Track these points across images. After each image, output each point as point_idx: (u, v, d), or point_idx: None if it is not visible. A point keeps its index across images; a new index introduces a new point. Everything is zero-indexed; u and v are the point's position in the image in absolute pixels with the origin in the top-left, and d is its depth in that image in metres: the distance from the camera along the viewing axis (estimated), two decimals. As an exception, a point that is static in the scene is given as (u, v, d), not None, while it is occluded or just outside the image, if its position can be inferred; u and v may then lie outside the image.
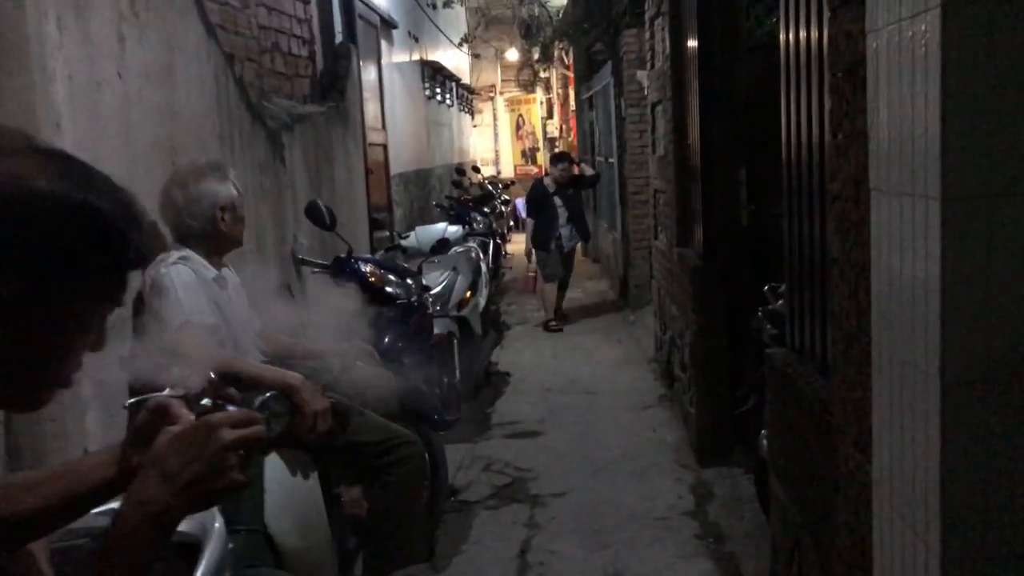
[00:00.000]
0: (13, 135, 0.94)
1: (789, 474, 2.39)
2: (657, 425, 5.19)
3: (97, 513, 1.32)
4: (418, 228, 6.88)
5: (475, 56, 15.99)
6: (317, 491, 2.42)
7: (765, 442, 3.02)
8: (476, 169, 12.41)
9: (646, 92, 6.63)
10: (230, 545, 2.05)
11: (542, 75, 19.06)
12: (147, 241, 1.09)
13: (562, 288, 8.45)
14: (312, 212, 3.83)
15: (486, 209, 8.97)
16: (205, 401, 1.28)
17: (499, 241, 9.38)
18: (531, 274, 8.33)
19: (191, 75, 3.11)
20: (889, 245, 1.43)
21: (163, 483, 1.01)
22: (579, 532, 3.80)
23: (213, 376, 2.27)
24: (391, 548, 2.87)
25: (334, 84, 5.34)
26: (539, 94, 19.78)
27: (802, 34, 2.23)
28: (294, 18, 4.82)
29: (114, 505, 1.10)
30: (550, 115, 19.34)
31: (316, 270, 4.00)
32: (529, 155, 19.89)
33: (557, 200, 8.14)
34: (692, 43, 4.54)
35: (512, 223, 15.12)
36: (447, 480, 4.05)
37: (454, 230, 6.94)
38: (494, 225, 9.01)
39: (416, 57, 9.84)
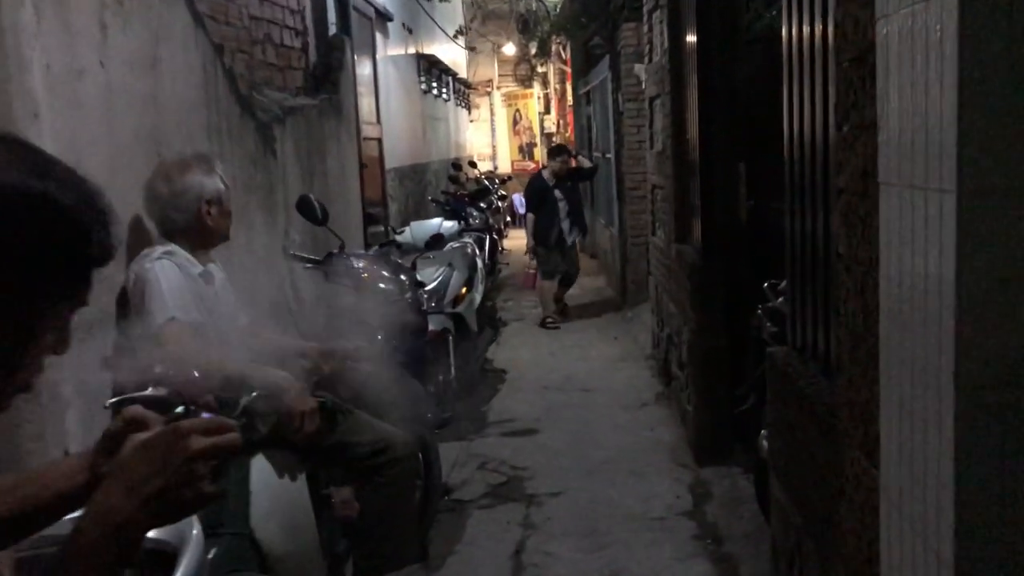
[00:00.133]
0: None
1: (790, 476, 2.33)
2: (654, 423, 5.12)
3: (71, 520, 1.25)
4: (413, 223, 6.81)
5: (471, 49, 15.89)
6: (305, 493, 2.36)
7: (765, 442, 2.96)
8: (473, 164, 12.34)
9: (644, 86, 6.56)
10: (212, 551, 1.99)
11: (539, 70, 18.98)
12: (113, 237, 1.03)
13: (567, 283, 8.34)
14: (304, 206, 3.76)
15: (482, 204, 8.90)
16: (179, 409, 1.21)
17: (496, 237, 9.32)
18: (531, 271, 8.22)
19: (178, 65, 3.03)
20: (900, 241, 1.36)
21: (127, 494, 0.95)
22: (575, 532, 3.74)
23: (197, 375, 2.21)
24: (383, 550, 2.80)
25: (327, 76, 5.26)
26: (536, 89, 19.70)
27: (806, 22, 2.16)
28: (286, 9, 4.74)
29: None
30: (547, 110, 19.26)
31: (308, 266, 3.93)
32: (526, 150, 19.80)
33: (557, 193, 8.05)
34: (691, 36, 4.47)
35: (509, 218, 15.05)
36: (441, 479, 3.99)
37: (450, 225, 6.87)
38: (490, 221, 8.95)
39: (412, 50, 9.76)
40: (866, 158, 1.54)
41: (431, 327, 4.84)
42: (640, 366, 6.43)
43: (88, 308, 2.38)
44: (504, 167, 18.98)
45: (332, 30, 5.61)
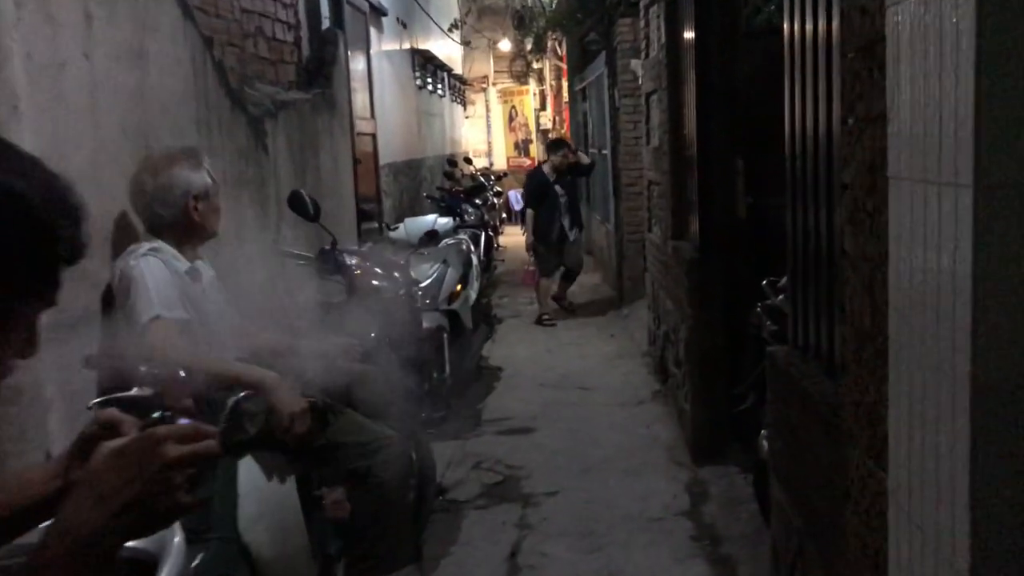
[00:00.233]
0: None
1: (792, 478, 2.28)
2: (651, 422, 5.08)
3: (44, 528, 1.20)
4: (407, 220, 6.75)
5: (466, 43, 15.80)
6: (294, 496, 2.30)
7: (765, 443, 2.91)
8: (468, 160, 12.26)
9: (640, 82, 6.50)
10: (198, 557, 1.93)
11: (535, 66, 18.91)
12: (83, 235, 0.97)
13: (570, 279, 8.23)
14: (295, 202, 3.69)
15: (478, 201, 8.82)
16: (156, 414, 1.15)
17: (491, 233, 9.24)
18: (530, 268, 8.11)
19: (166, 58, 2.97)
20: (911, 238, 1.31)
21: (96, 505, 0.89)
22: (571, 533, 3.69)
23: (183, 375, 2.15)
24: (376, 552, 2.75)
25: (320, 71, 5.20)
26: (532, 85, 19.63)
27: (808, 13, 2.11)
28: (279, 2, 4.68)
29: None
30: (543, 106, 19.19)
31: (300, 262, 3.86)
32: (522, 147, 19.73)
33: (558, 188, 7.96)
34: (688, 31, 4.42)
35: (504, 215, 14.97)
36: (435, 479, 3.94)
37: (444, 222, 6.81)
38: (486, 217, 8.87)
39: (407, 46, 9.69)
40: (874, 152, 1.49)
41: (425, 324, 4.78)
42: (636, 363, 6.39)
43: (72, 306, 2.32)
44: (500, 164, 18.92)
45: (325, 24, 5.55)
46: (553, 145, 8.51)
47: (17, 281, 0.87)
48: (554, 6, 12.26)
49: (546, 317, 7.93)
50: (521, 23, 14.08)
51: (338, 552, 2.81)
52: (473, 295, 6.08)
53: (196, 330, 2.41)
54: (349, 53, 5.86)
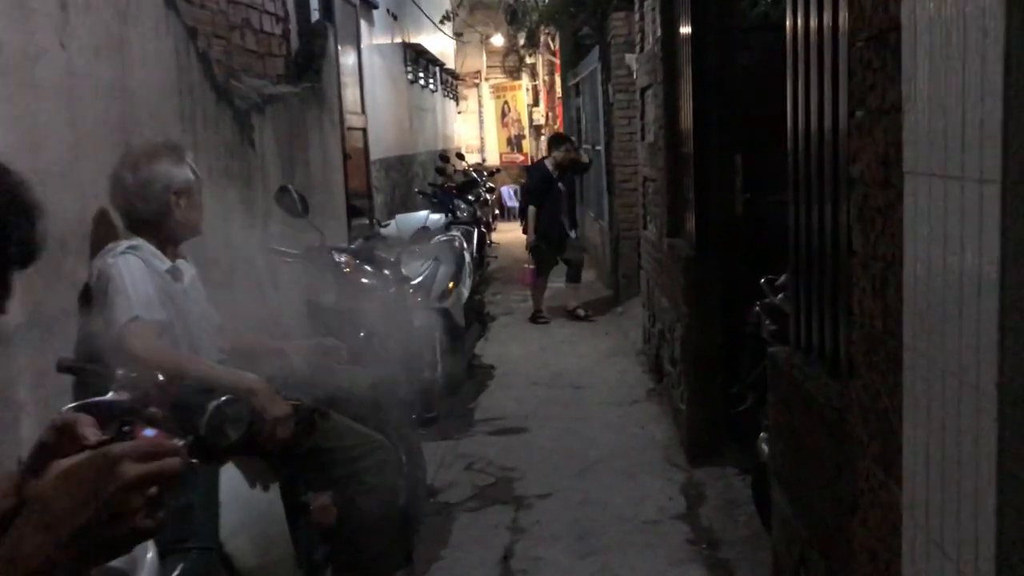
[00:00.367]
0: None
1: (794, 484, 2.20)
2: (646, 421, 5.00)
3: None
4: (399, 216, 6.65)
5: (458, 36, 15.69)
6: (278, 503, 2.21)
7: (764, 445, 2.84)
8: (460, 156, 12.18)
9: (635, 76, 6.42)
10: (178, 568, 1.85)
11: (528, 61, 18.81)
12: (38, 235, 0.89)
13: (576, 278, 8.01)
14: (283, 198, 3.61)
15: (470, 197, 8.74)
16: (125, 428, 1.06)
17: (484, 230, 9.16)
18: (529, 267, 7.90)
19: (147, 49, 2.87)
20: (929, 236, 1.23)
21: (44, 533, 0.80)
22: (565, 536, 3.61)
23: (161, 378, 2.06)
24: (364, 558, 2.67)
25: (310, 64, 5.10)
26: (525, 80, 19.53)
27: (813, 0, 2.03)
28: (266, -6, 4.58)
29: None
30: (536, 102, 19.09)
31: (288, 260, 3.77)
32: (515, 143, 19.64)
33: (560, 185, 7.81)
34: (685, 24, 4.34)
35: (497, 211, 14.88)
36: (425, 481, 3.85)
37: (436, 218, 6.72)
38: (479, 213, 8.79)
39: (398, 39, 9.58)
40: (887, 145, 1.41)
41: (417, 323, 4.69)
42: (631, 361, 6.32)
43: (48, 305, 2.22)
44: (492, 159, 18.82)
45: (315, 16, 5.45)
46: (555, 140, 8.31)
47: None
48: (547, 0, 12.17)
49: (540, 315, 7.85)
50: (514, 17, 13.96)
51: (325, 559, 2.72)
52: (465, 292, 6.00)
53: (176, 331, 2.32)
54: (339, 47, 5.76)
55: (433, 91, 12.44)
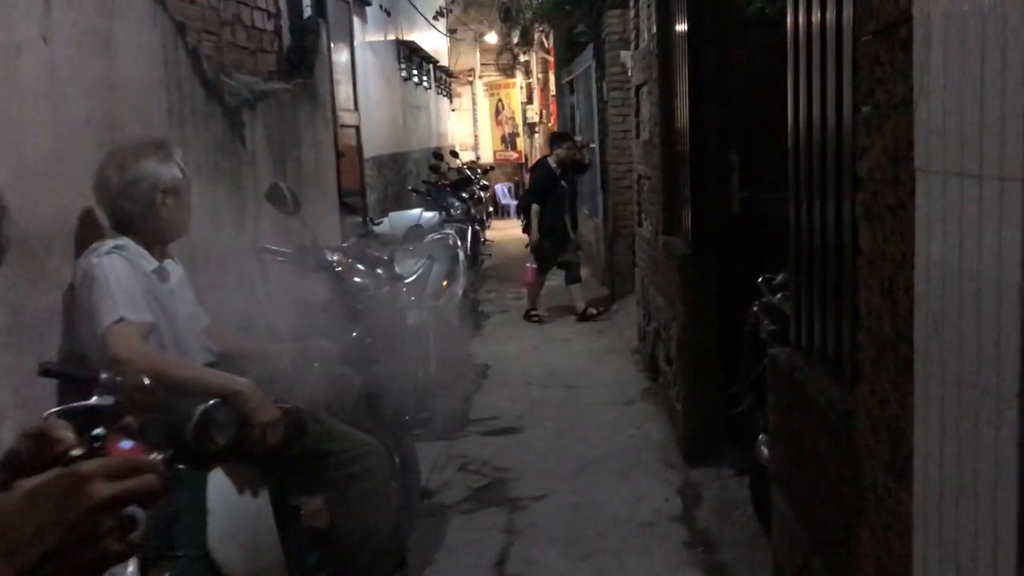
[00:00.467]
0: None
1: (796, 489, 2.16)
2: (641, 421, 4.96)
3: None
4: (392, 214, 6.59)
5: (451, 32, 15.60)
6: (267, 509, 2.16)
7: (764, 448, 2.80)
8: (454, 154, 12.09)
9: (630, 74, 6.37)
10: (164, 577, 1.79)
11: (522, 59, 18.75)
12: (1, 235, 0.83)
13: (576, 278, 7.87)
14: (274, 196, 3.53)
15: (464, 194, 8.66)
16: (97, 431, 1.00)
17: (478, 227, 9.09)
18: (531, 265, 7.77)
19: (134, 44, 2.81)
20: (943, 236, 1.18)
21: (5, 558, 0.75)
22: (560, 539, 3.56)
23: (147, 382, 2.00)
24: (357, 563, 2.61)
25: (302, 61, 5.03)
26: (519, 78, 19.46)
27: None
28: (257, -11, 4.51)
29: None
30: (530, 100, 19.03)
31: (279, 259, 3.71)
32: (509, 140, 19.57)
33: (563, 183, 7.71)
34: (681, 20, 4.29)
35: (491, 209, 14.81)
36: (419, 484, 3.81)
37: (430, 216, 6.66)
38: (472, 211, 8.71)
39: (392, 36, 9.51)
40: (897, 141, 1.36)
41: (411, 322, 4.63)
42: (626, 360, 6.27)
43: (31, 307, 2.16)
44: (486, 157, 18.75)
45: (307, 12, 5.38)
46: (558, 137, 8.18)
47: None
48: (541, -3, 12.11)
49: (534, 312, 7.78)
50: (508, 15, 13.92)
51: (317, 564, 2.67)
52: (459, 291, 5.94)
53: (163, 333, 2.27)
54: (332, 43, 5.70)
55: (427, 88, 12.37)
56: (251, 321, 2.96)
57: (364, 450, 2.46)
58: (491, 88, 19.67)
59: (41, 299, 2.22)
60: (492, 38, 18.43)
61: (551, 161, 7.87)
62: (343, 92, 6.15)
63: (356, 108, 6.59)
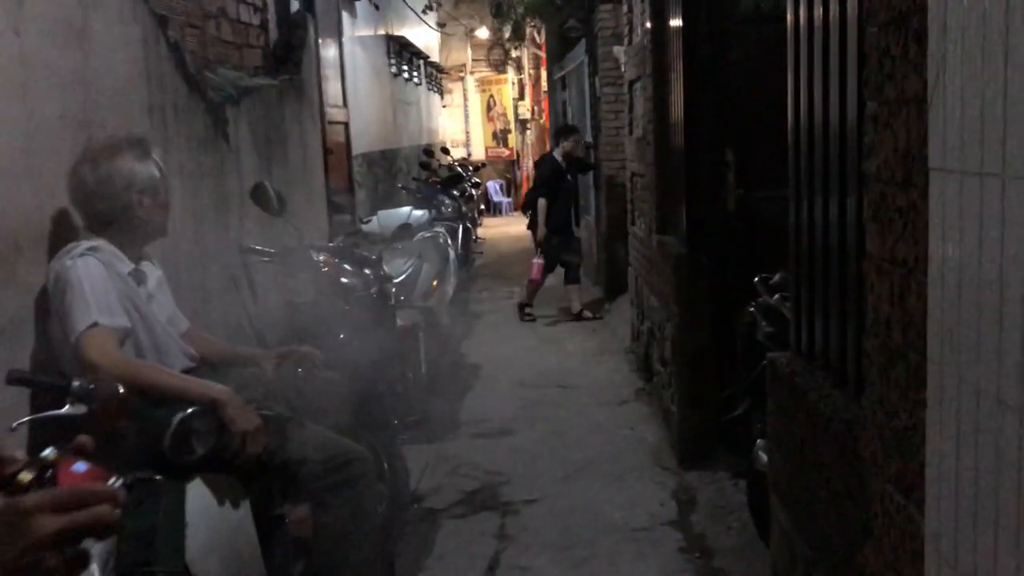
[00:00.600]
0: None
1: (796, 499, 2.09)
2: (635, 423, 4.89)
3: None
4: (380, 213, 6.49)
5: (441, 26, 15.48)
6: (249, 521, 2.08)
7: (762, 453, 2.73)
8: (445, 150, 12.00)
9: (623, 69, 6.29)
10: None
11: (514, 54, 18.65)
12: None
13: (576, 278, 7.74)
14: (259, 195, 3.45)
15: (455, 192, 8.57)
16: (47, 452, 0.92)
17: (469, 226, 9.00)
18: (538, 261, 7.60)
19: (113, 37, 2.72)
20: (960, 240, 1.11)
21: None
22: (553, 545, 3.49)
23: (122, 390, 1.92)
24: (343, 574, 2.53)
25: (289, 56, 4.93)
26: (511, 74, 19.36)
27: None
28: (243, -18, 4.41)
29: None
30: (522, 96, 18.93)
31: (264, 259, 3.62)
32: (500, 137, 19.47)
33: (569, 178, 7.57)
34: (675, 15, 4.22)
35: (483, 206, 14.71)
36: (408, 489, 3.73)
37: (419, 215, 6.57)
38: (464, 209, 8.62)
39: (381, 31, 9.41)
40: (908, 139, 1.29)
41: (400, 322, 4.55)
42: (619, 360, 6.21)
43: (1, 312, 2.06)
44: (478, 154, 18.64)
45: (294, 7, 5.28)
46: (564, 131, 7.98)
47: None
48: (533, -7, 12.01)
49: (528, 309, 7.68)
50: (499, 10, 13.80)
51: (302, 574, 2.59)
52: (450, 291, 5.86)
53: (140, 339, 2.18)
54: (320, 38, 5.60)
55: (417, 84, 12.26)
56: (234, 324, 2.87)
57: (350, 457, 2.38)
58: (482, 84, 19.56)
59: (10, 304, 2.13)
60: (483, 33, 18.31)
61: (557, 155, 7.73)
62: (331, 88, 6.05)
63: (345, 104, 6.50)
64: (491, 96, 19.41)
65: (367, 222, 6.05)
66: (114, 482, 0.90)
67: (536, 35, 14.80)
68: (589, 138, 8.59)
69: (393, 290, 4.50)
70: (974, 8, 1.05)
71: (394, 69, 9.99)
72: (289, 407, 2.40)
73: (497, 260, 11.32)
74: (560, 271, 7.82)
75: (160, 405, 1.97)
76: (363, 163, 7.38)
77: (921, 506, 1.28)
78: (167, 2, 3.37)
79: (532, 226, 7.85)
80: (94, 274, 2.08)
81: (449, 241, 6.37)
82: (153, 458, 1.95)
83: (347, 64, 6.67)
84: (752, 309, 3.10)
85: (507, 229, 14.95)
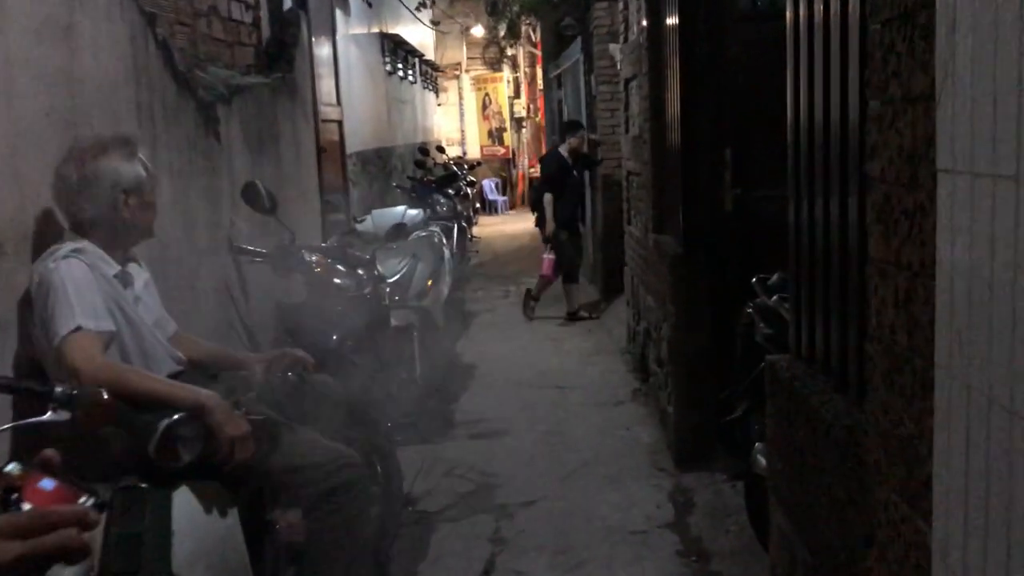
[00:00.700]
0: None
1: (796, 505, 2.05)
2: (631, 423, 4.85)
3: None
4: (375, 212, 6.44)
5: (435, 24, 15.40)
6: (237, 529, 2.03)
7: (761, 457, 2.69)
8: (440, 149, 11.94)
9: (619, 67, 6.25)
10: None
11: (509, 53, 18.60)
12: None
13: (575, 279, 7.65)
14: (250, 194, 3.41)
15: (450, 191, 8.51)
16: (9, 467, 0.87)
17: (464, 224, 8.95)
18: (548, 256, 7.49)
19: (99, 35, 2.67)
20: (970, 244, 1.07)
21: None
22: (549, 548, 3.45)
23: (106, 396, 1.87)
24: (335, 580, 2.49)
25: (281, 54, 4.89)
26: (506, 72, 19.32)
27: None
28: (234, -20, 4.37)
29: None
30: (517, 94, 18.89)
31: (256, 260, 3.58)
32: (496, 135, 19.42)
33: (575, 174, 7.50)
34: (671, 13, 4.17)
35: (478, 205, 14.66)
36: (402, 491, 3.68)
37: (414, 213, 6.52)
38: (459, 208, 8.56)
39: (375, 29, 9.35)
40: (915, 139, 1.25)
41: (394, 322, 4.51)
42: (615, 360, 6.17)
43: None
44: (473, 152, 18.60)
45: (287, 4, 5.24)
46: (570, 125, 7.88)
47: None
48: (528, -9, 11.96)
49: (533, 303, 7.61)
50: (495, 8, 13.75)
51: (294, 580, 2.55)
52: (445, 290, 5.81)
53: (126, 343, 2.13)
54: (313, 36, 5.56)
55: (412, 83, 12.21)
56: (225, 326, 2.83)
57: (341, 463, 2.34)
58: (478, 82, 19.51)
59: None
60: (479, 31, 18.27)
61: (563, 151, 7.63)
62: (325, 86, 6.01)
63: (339, 103, 6.46)
64: (487, 94, 19.36)
65: (361, 221, 6.00)
66: (84, 501, 0.85)
67: (532, 33, 14.77)
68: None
69: (387, 290, 4.46)
70: (986, 3, 1.00)
71: (389, 67, 9.94)
72: (280, 411, 2.36)
73: (493, 259, 11.28)
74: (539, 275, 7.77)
75: (146, 411, 1.92)
76: (357, 162, 7.33)
77: (928, 517, 1.24)
78: (157, 0, 3.33)
79: (539, 223, 7.78)
80: (78, 277, 2.03)
81: (444, 240, 6.32)
82: (138, 465, 1.90)
83: (341, 62, 6.62)
84: (750, 310, 3.06)
85: (503, 228, 14.91)
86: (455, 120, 19.19)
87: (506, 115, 19.14)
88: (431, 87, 15.23)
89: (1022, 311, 0.96)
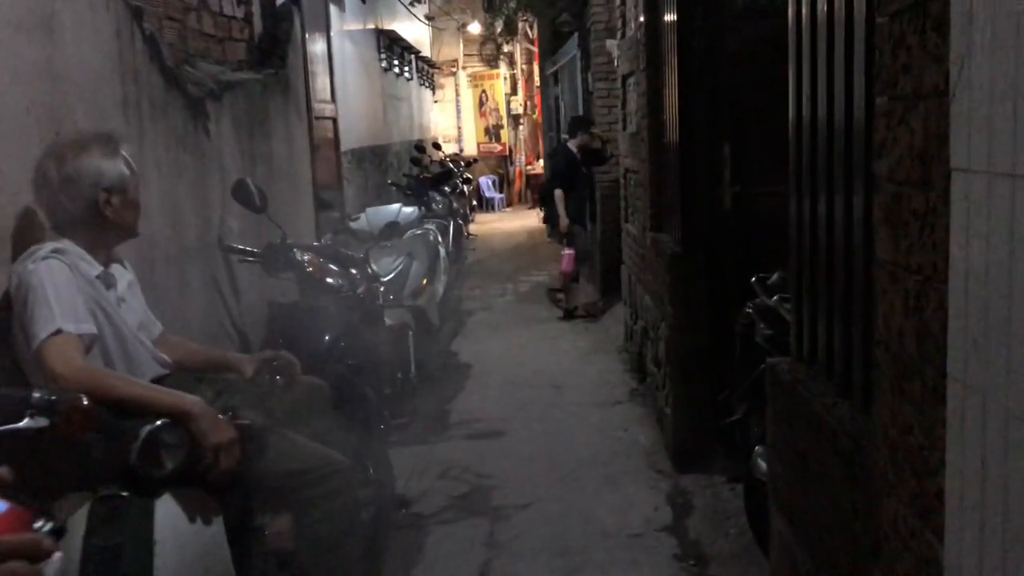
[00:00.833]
0: None
1: (798, 510, 1.99)
2: (629, 424, 4.79)
3: None
4: (369, 210, 6.37)
5: (429, 19, 15.31)
6: (222, 538, 1.97)
7: (761, 461, 2.64)
8: (437, 146, 11.87)
9: (616, 63, 6.19)
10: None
11: (506, 49, 18.53)
12: None
13: (575, 278, 7.60)
14: (240, 192, 3.34)
15: (446, 188, 8.44)
16: None
17: (460, 222, 8.88)
18: (567, 252, 7.38)
19: (83, 29, 2.60)
20: (987, 248, 1.01)
21: None
22: (545, 552, 3.39)
23: (86, 401, 1.81)
24: (325, 589, 2.43)
25: (274, 50, 4.82)
26: (503, 69, 19.24)
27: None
28: (226, -26, 4.30)
29: None
30: (514, 91, 18.82)
31: (247, 259, 3.51)
32: (493, 132, 19.35)
33: (583, 170, 7.41)
34: (669, 9, 4.11)
35: (475, 202, 14.59)
36: (394, 495, 3.64)
37: (409, 212, 6.45)
38: (455, 205, 8.50)
39: (371, 25, 9.28)
40: (926, 137, 1.19)
41: (389, 322, 4.45)
42: (612, 359, 6.11)
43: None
44: (470, 149, 18.53)
45: (279, 0, 5.17)
46: (580, 122, 7.73)
47: None
48: (525, -13, 11.89)
49: (560, 295, 7.51)
50: (491, 5, 13.69)
51: (283, 588, 2.49)
52: (440, 289, 5.75)
53: (108, 346, 2.07)
54: (307, 32, 5.48)
55: (408, 79, 12.13)
56: (214, 327, 2.76)
57: (331, 469, 2.28)
58: (474, 79, 19.44)
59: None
60: (475, 28, 18.19)
61: (571, 146, 7.52)
62: (319, 83, 5.94)
63: (333, 99, 6.39)
64: (483, 91, 19.29)
65: (355, 219, 5.94)
66: (41, 526, 0.79)
67: (529, 29, 14.70)
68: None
69: (381, 289, 4.40)
70: (1006, -10, 0.95)
71: (384, 64, 9.87)
72: (268, 415, 2.30)
73: (490, 257, 11.21)
74: (559, 271, 7.70)
75: (128, 417, 1.86)
76: (352, 159, 7.26)
77: (939, 532, 1.18)
78: (145, -7, 3.26)
79: (547, 219, 7.68)
80: (58, 278, 1.97)
81: (440, 238, 6.26)
82: (120, 473, 1.84)
83: (335, 58, 6.55)
84: (749, 310, 3.01)
85: (500, 225, 14.85)
86: (451, 117, 19.12)
87: (503, 112, 19.07)
88: (427, 84, 15.16)
89: (1044, 319, 0.90)
